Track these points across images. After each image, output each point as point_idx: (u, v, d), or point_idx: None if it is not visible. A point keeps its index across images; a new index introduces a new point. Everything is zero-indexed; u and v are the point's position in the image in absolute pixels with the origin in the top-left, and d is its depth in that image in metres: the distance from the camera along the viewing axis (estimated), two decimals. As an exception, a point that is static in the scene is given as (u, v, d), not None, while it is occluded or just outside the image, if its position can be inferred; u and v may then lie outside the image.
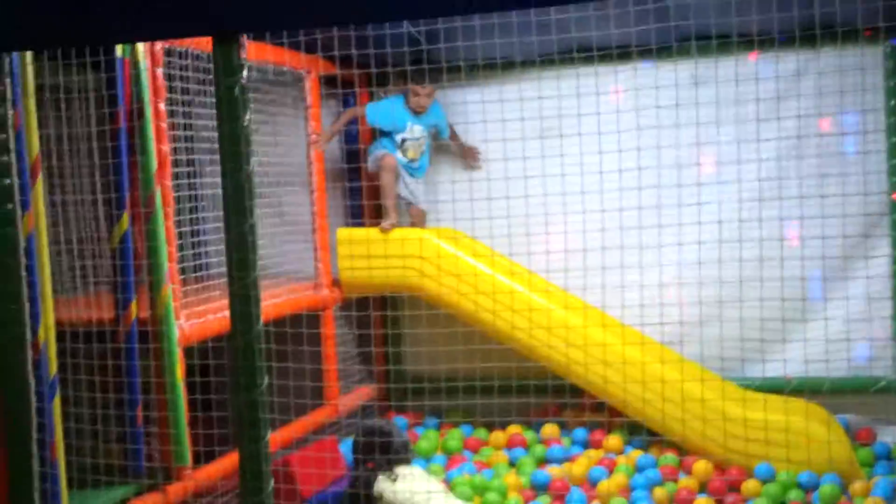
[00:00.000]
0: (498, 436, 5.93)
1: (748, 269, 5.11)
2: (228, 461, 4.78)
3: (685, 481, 5.27)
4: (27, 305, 3.68)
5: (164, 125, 4.57)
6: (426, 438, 5.91)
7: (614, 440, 5.75)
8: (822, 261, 5.29)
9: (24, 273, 3.66)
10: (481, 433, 6.06)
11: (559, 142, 5.31)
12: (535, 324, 5.45)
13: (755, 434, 5.22)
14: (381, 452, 4.99)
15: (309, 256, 6.05)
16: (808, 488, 5.11)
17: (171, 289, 4.53)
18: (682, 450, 5.58)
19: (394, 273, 5.86)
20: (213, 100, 3.45)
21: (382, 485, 4.88)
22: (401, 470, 4.95)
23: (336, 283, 6.12)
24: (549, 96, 5.26)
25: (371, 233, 6.16)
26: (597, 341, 5.52)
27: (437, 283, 5.87)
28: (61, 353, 4.22)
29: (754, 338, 5.40)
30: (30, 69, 3.83)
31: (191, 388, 4.64)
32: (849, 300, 5.63)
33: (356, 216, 6.51)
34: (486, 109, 5.14)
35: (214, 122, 3.47)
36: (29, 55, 3.84)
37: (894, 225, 5.75)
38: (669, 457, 5.54)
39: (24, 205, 3.73)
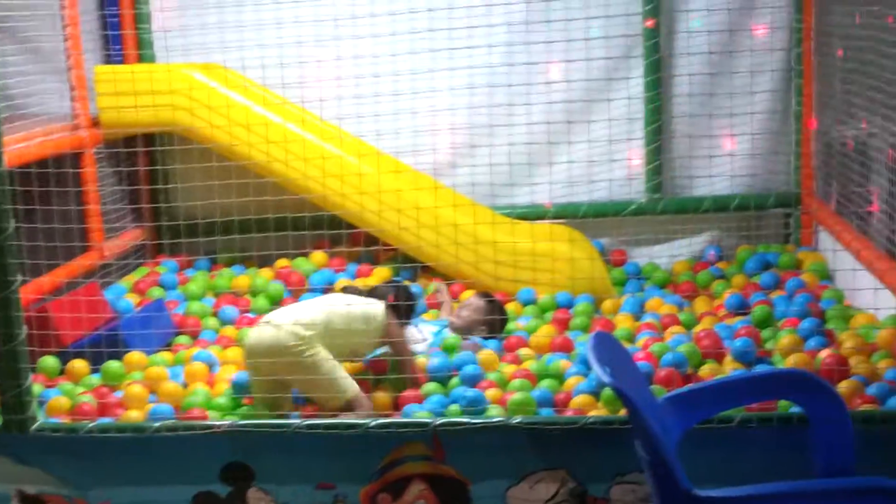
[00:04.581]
0: (266, 273, 5.93)
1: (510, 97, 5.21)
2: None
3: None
4: None
5: None
6: (195, 281, 5.86)
7: (383, 271, 5.84)
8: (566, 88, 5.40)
9: None
10: (253, 272, 6.03)
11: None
12: (293, 155, 5.40)
13: (503, 257, 5.40)
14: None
15: (64, 95, 5.79)
16: (566, 307, 5.36)
17: None
18: (447, 278, 5.73)
19: (149, 111, 5.67)
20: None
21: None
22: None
23: (96, 122, 5.91)
24: None
25: (129, 69, 5.91)
26: (354, 171, 5.51)
27: (198, 118, 5.74)
28: None
29: (505, 167, 5.55)
30: None
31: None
32: (589, 127, 5.79)
33: (114, 50, 6.25)
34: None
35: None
36: None
37: (646, 50, 5.95)
38: (435, 285, 5.68)
39: None
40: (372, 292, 4.63)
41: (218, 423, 3.56)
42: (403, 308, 4.54)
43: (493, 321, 4.99)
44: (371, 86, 5.13)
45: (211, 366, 4.75)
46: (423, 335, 4.88)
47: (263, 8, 5.84)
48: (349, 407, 4.16)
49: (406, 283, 5.12)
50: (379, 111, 5.35)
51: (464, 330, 4.93)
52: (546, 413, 4.10)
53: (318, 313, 4.30)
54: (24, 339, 3.59)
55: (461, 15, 5.44)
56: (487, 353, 4.67)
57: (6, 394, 3.55)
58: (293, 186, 5.65)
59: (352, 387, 4.23)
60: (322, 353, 4.19)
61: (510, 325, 5.12)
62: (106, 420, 4.04)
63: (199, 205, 5.33)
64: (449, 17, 5.35)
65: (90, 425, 3.57)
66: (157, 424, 3.52)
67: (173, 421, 3.56)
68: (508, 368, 4.56)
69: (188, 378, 4.62)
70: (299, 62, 5.32)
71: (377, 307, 4.43)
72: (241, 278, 5.86)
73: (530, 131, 5.77)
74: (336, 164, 5.55)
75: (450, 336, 4.84)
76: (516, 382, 4.37)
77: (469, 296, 5.27)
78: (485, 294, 5.18)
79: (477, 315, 4.99)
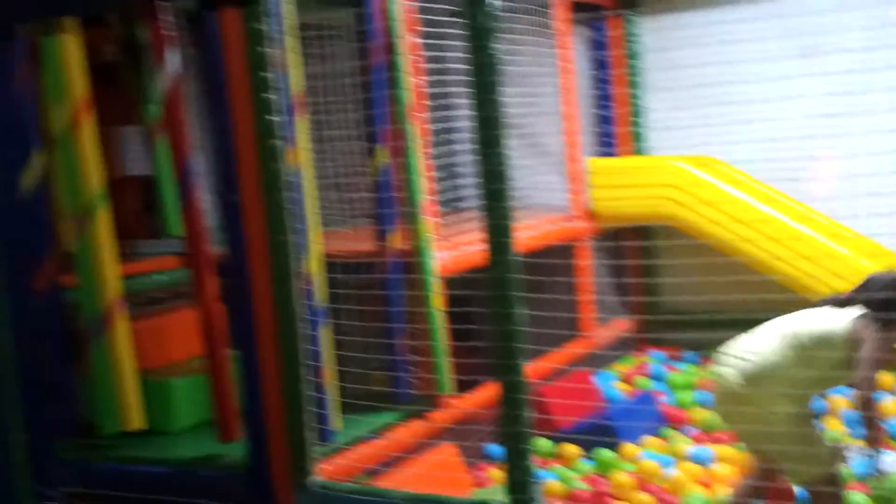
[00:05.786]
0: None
1: None
2: (490, 390, 4.86)
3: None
4: (294, 238, 3.83)
5: (417, 59, 4.63)
6: (683, 374, 5.81)
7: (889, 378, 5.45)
8: None
9: (289, 206, 3.80)
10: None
11: (822, 60, 5.03)
12: (799, 254, 5.21)
13: None
14: None
15: (562, 187, 6.04)
16: None
17: (427, 221, 4.61)
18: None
19: (648, 203, 5.76)
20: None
21: None
22: None
23: (589, 213, 6.09)
24: (810, 13, 4.99)
25: (623, 162, 6.06)
26: (857, 269, 5.21)
27: (693, 212, 5.72)
28: (328, 284, 4.38)
29: None
30: (290, 8, 3.95)
31: (453, 318, 4.72)
32: None
33: (607, 144, 6.45)
34: (741, 29, 4.94)
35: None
36: (289, -6, 3.96)
37: None
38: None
39: (288, 140, 3.87)
40: (857, 293, 3.62)
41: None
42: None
43: None
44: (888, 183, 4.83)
45: (705, 463, 4.65)
46: None
47: (755, 103, 5.75)
48: (827, 483, 3.47)
49: None
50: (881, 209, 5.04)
51: None
52: None
53: (771, 344, 3.62)
54: (529, 422, 3.68)
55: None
56: None
57: (511, 474, 3.66)
58: (792, 284, 5.45)
59: (835, 456, 3.54)
60: (787, 407, 3.48)
61: None
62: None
63: (689, 299, 5.29)
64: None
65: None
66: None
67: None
68: None
69: (682, 476, 4.54)
70: (797, 157, 5.17)
71: (840, 320, 3.52)
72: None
73: None
74: (840, 262, 5.30)
75: None
76: None
77: None
78: None
79: None
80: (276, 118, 3.72)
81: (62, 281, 4.26)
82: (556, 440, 5.00)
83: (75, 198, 4.13)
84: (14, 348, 4.28)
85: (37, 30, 4.09)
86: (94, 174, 4.12)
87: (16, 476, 4.32)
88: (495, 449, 4.99)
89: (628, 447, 4.85)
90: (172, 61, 3.95)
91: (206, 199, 4.07)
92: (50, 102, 4.12)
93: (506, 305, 3.60)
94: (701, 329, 5.57)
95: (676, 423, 5.20)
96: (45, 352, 4.29)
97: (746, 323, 5.23)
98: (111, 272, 4.15)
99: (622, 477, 4.53)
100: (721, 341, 5.69)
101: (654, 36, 6.28)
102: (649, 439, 4.98)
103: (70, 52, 4.05)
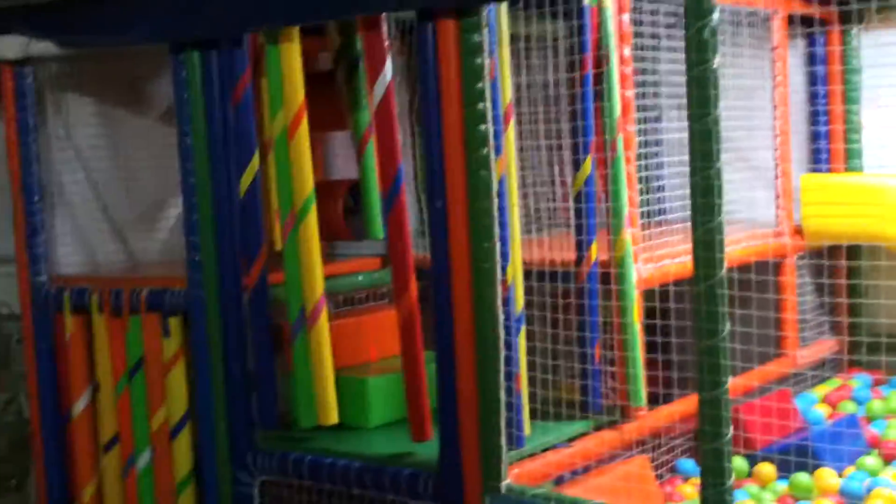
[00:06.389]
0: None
1: None
2: (684, 404, 4.80)
3: None
4: (498, 245, 3.87)
5: (628, 71, 4.61)
6: (891, 399, 5.58)
7: None
8: None
9: (495, 214, 3.85)
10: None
11: None
12: None
13: None
14: None
15: (769, 202, 5.90)
16: None
17: (630, 232, 4.58)
18: None
19: (863, 222, 5.54)
20: (679, 44, 3.41)
21: None
22: None
23: (798, 230, 5.91)
24: None
25: (838, 179, 5.85)
26: None
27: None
28: (526, 291, 4.41)
29: None
30: (505, 19, 4.00)
31: (649, 330, 4.67)
32: None
33: (819, 161, 6.26)
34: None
35: (679, 67, 3.43)
36: (504, 6, 4.00)
37: None
38: None
39: (497, 150, 3.91)
40: None
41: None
42: None
43: None
44: None
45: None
46: None
47: None
48: None
49: None
50: None
51: None
52: None
53: None
54: (730, 440, 3.61)
55: None
56: None
57: (707, 491, 3.60)
58: None
59: None
60: None
61: None
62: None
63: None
64: None
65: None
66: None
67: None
68: None
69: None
70: None
71: None
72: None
73: None
74: None
75: None
76: None
77: None
78: None
79: None
80: (486, 128, 3.77)
81: (270, 278, 4.42)
82: (754, 460, 4.89)
83: (287, 199, 4.29)
84: (223, 341, 4.49)
85: (261, 38, 4.27)
86: (306, 177, 4.26)
87: (217, 461, 4.53)
88: (687, 464, 4.92)
89: (828, 472, 4.69)
90: (386, 70, 4.04)
91: (409, 204, 4.15)
92: (270, 108, 4.30)
93: (712, 321, 3.55)
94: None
95: (881, 449, 5.00)
96: (250, 346, 4.47)
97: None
98: (316, 272, 4.28)
99: (821, 502, 4.39)
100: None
101: (875, 51, 6.04)
102: (851, 466, 4.81)
103: (291, 60, 4.21)
